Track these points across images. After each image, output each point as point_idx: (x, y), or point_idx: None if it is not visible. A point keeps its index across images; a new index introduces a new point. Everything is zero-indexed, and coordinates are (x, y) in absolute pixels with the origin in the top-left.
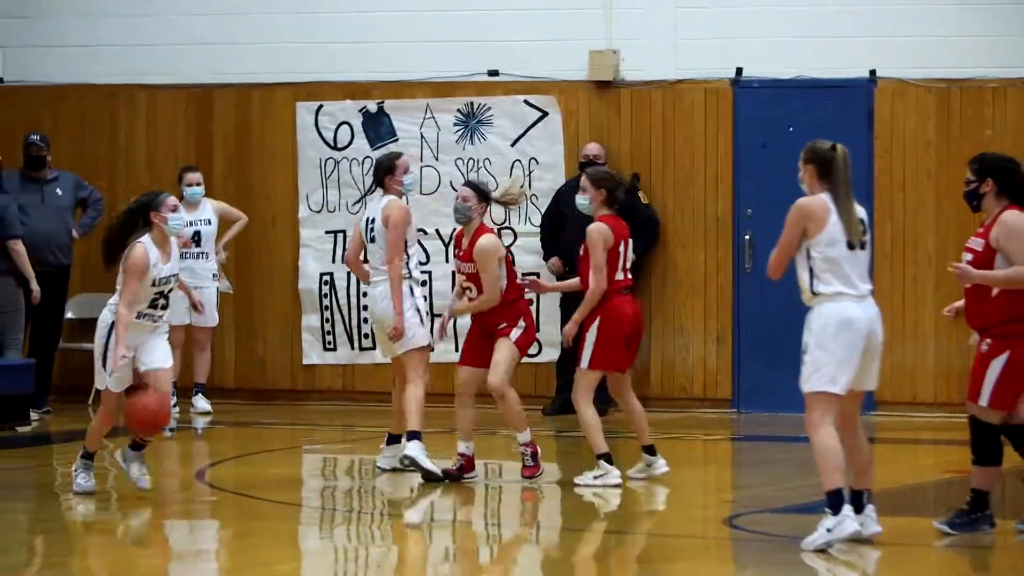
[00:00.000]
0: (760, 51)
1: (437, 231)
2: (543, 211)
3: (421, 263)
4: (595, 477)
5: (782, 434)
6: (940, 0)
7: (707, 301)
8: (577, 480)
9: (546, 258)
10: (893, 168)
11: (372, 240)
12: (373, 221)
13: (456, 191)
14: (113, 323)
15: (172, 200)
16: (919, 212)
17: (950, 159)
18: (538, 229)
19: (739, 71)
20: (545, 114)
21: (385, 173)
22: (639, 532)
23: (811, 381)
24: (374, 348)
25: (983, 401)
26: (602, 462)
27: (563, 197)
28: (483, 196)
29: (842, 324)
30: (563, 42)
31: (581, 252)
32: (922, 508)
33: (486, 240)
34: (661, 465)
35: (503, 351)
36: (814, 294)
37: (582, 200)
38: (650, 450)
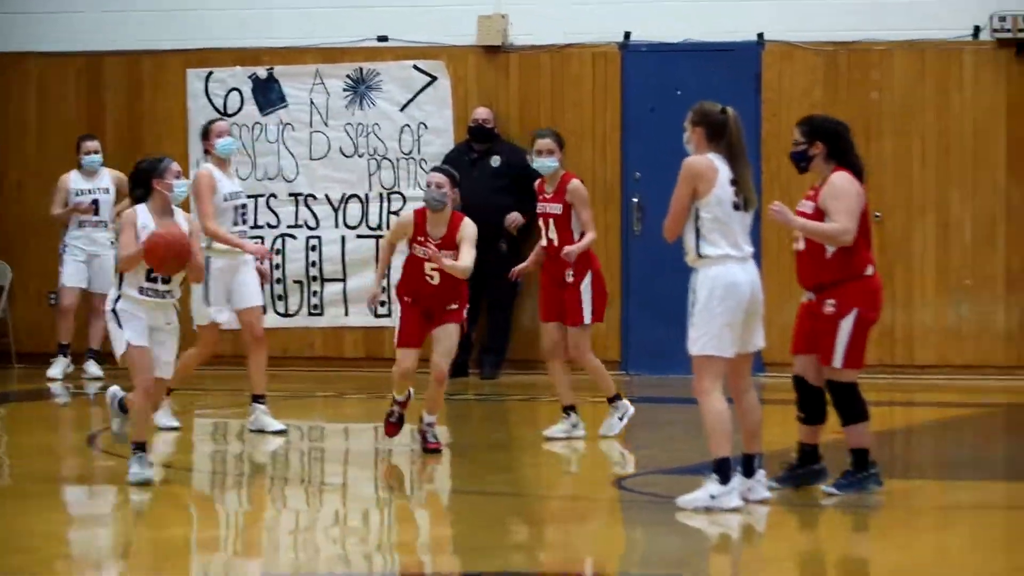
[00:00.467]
0: (648, 15)
1: (327, 196)
2: None
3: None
4: (619, 418)
5: (671, 395)
6: None
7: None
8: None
9: None
10: (781, 131)
11: None
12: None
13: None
14: (117, 298)
15: (176, 166)
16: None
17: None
18: None
19: (627, 35)
20: (434, 79)
21: (202, 138)
22: (528, 495)
23: (699, 344)
24: (264, 313)
25: (837, 363)
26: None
27: (452, 162)
28: (455, 181)
29: (728, 288)
30: (452, 7)
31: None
32: None
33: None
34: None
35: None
36: (700, 256)
37: (551, 162)
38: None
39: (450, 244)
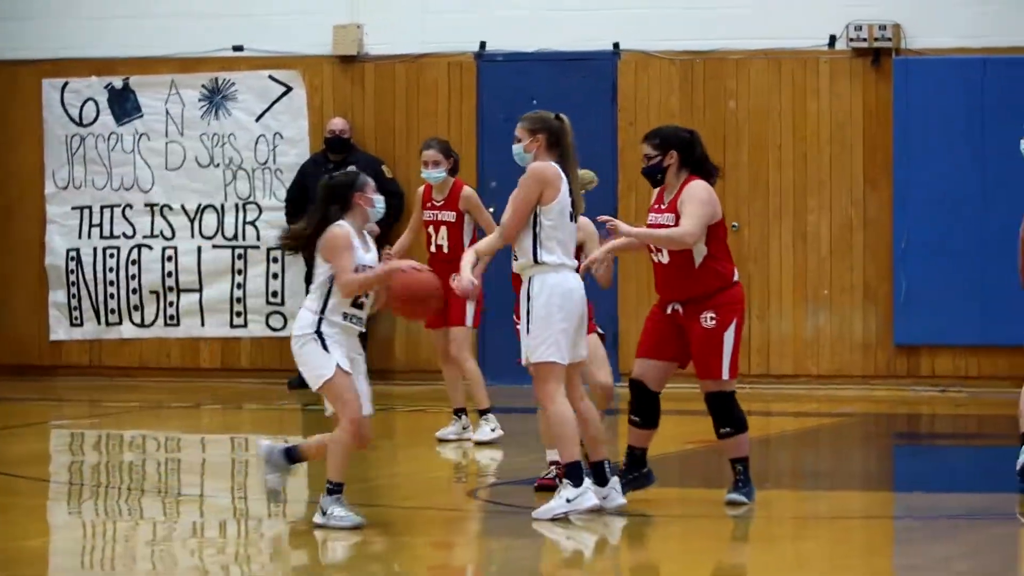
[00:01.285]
0: (504, 25)
1: (183, 206)
2: (288, 186)
3: (166, 237)
4: (491, 429)
5: (525, 406)
6: None
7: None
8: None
9: None
10: (637, 140)
11: None
12: None
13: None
14: (319, 321)
15: (372, 181)
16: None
17: (694, 127)
18: (283, 204)
19: (483, 45)
20: (289, 89)
21: None
22: (382, 505)
23: (538, 352)
24: (120, 324)
25: (725, 375)
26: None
27: (308, 172)
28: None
29: (566, 295)
30: (307, 16)
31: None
32: (666, 479)
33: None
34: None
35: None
36: (537, 262)
37: (437, 173)
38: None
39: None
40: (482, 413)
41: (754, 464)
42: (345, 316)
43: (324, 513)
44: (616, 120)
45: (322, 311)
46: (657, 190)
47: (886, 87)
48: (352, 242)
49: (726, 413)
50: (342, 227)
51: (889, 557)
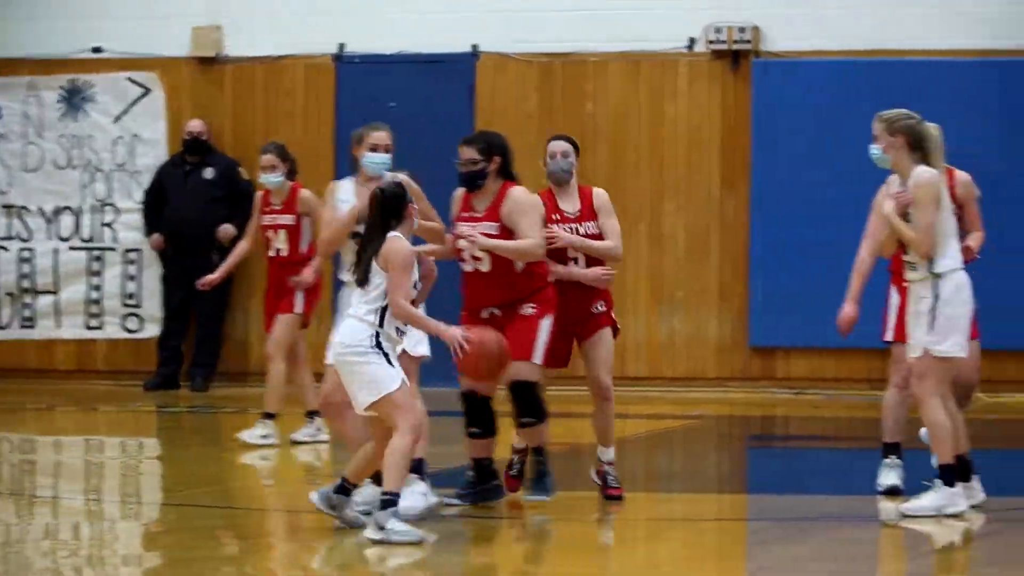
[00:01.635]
0: (362, 27)
1: (40, 208)
2: (145, 188)
3: (23, 239)
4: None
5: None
6: None
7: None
8: None
9: (148, 234)
10: None
11: None
12: None
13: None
14: (377, 334)
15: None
16: (520, 176)
17: (553, 129)
18: (140, 205)
19: (341, 47)
20: (148, 91)
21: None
22: (238, 507)
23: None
24: None
25: (537, 358)
26: None
27: (165, 174)
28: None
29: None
30: (166, 18)
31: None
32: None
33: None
34: None
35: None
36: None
37: (275, 178)
38: None
39: (589, 216)
40: (266, 416)
41: (620, 465)
42: (397, 330)
43: (382, 528)
44: (474, 122)
45: (380, 323)
46: (462, 198)
47: (745, 89)
48: (413, 260)
49: (529, 402)
50: (403, 241)
51: (741, 559)
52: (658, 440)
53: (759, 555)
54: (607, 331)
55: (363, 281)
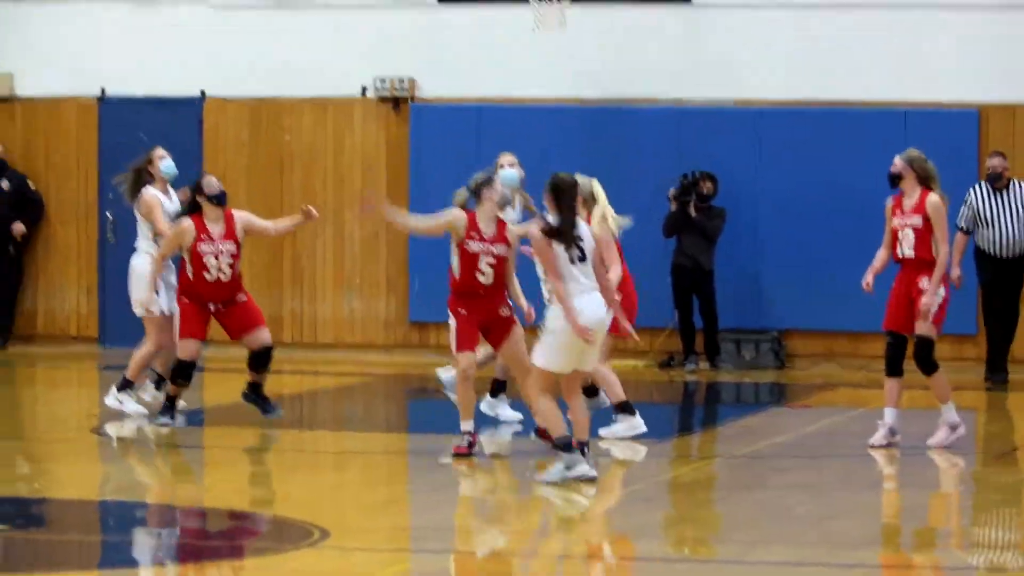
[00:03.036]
0: (120, 73)
1: None
2: None
3: None
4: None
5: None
6: (254, 30)
7: (80, 263)
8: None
9: None
10: (217, 165)
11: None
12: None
13: None
14: None
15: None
16: (235, 194)
17: (259, 158)
18: None
19: (103, 90)
20: None
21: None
22: (26, 438)
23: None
24: None
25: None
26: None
27: None
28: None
29: None
30: None
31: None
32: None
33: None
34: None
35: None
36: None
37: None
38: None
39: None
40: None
41: (306, 412)
42: None
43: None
44: (202, 152)
45: None
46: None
47: (404, 126)
48: None
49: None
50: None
51: (404, 483)
52: (341, 392)
53: (416, 479)
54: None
55: (584, 257)
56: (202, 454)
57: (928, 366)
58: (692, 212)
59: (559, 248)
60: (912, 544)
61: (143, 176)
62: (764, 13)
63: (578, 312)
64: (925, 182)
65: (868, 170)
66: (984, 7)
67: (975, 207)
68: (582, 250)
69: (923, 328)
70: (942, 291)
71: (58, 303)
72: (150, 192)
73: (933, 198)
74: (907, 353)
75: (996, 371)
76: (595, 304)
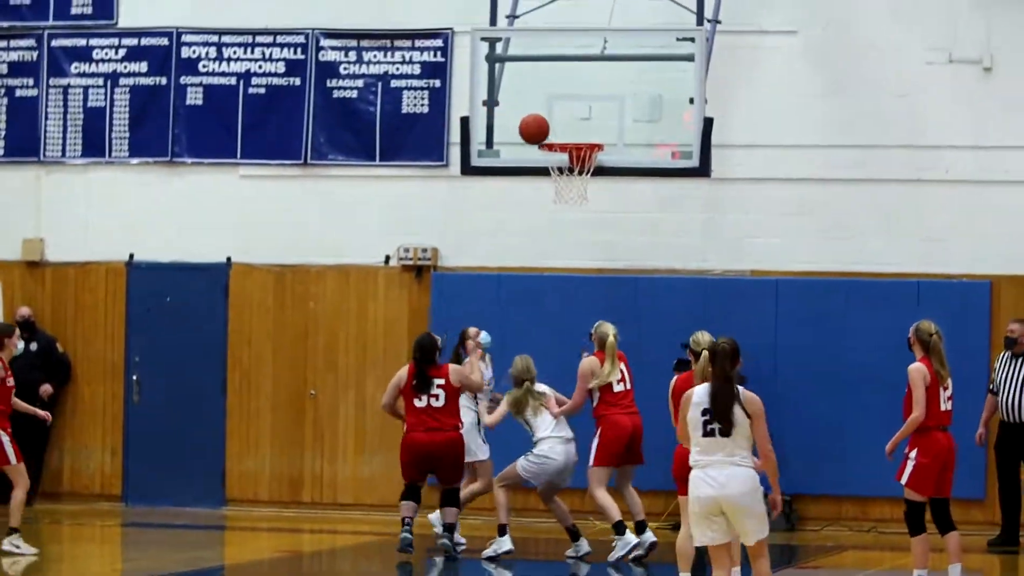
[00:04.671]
0: (147, 241)
1: None
2: None
3: None
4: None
5: (160, 521)
6: (280, 198)
7: (105, 423)
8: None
9: None
10: (242, 330)
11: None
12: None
13: None
14: None
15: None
16: (261, 358)
17: (284, 323)
18: None
19: (131, 256)
20: None
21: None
22: None
23: None
24: None
25: None
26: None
27: None
28: None
29: None
30: (4, 232)
31: None
32: None
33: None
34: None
35: None
36: None
37: None
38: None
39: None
40: None
41: (325, 570)
42: None
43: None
44: (227, 315)
45: None
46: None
47: (426, 294)
48: None
49: None
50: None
51: None
52: (360, 551)
53: None
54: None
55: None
56: None
57: (909, 527)
58: None
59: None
60: None
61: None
62: (780, 187)
63: None
64: (924, 348)
65: (881, 339)
66: (991, 182)
67: (996, 371)
68: None
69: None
70: (914, 453)
71: (83, 462)
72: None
73: (912, 364)
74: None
75: (1007, 539)
76: None
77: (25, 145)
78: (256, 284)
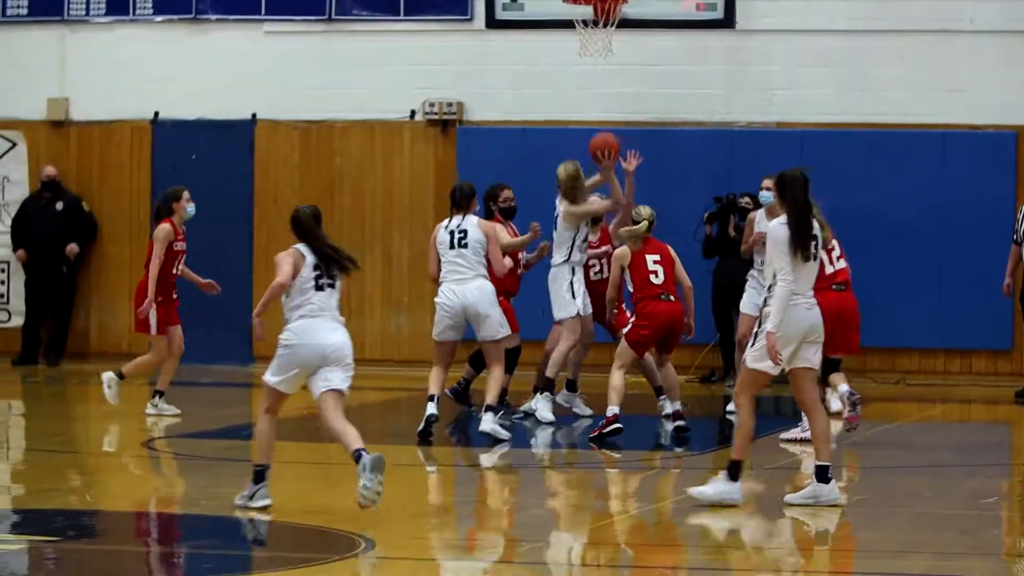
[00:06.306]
0: (172, 98)
1: None
2: (13, 216)
3: None
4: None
5: (188, 379)
6: (305, 54)
7: (132, 282)
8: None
9: (15, 250)
10: (268, 187)
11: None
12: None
13: None
14: None
15: None
16: (288, 214)
17: (310, 179)
18: (8, 229)
19: (156, 114)
20: (14, 144)
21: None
22: (80, 451)
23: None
24: None
25: None
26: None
27: (28, 205)
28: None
29: None
30: (28, 90)
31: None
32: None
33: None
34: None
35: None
36: None
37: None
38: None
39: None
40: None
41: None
42: None
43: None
44: (253, 172)
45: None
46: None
47: (452, 149)
48: None
49: None
50: None
51: (452, 494)
52: (388, 405)
53: (462, 492)
54: None
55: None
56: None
57: None
58: (731, 232)
59: None
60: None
61: None
62: (805, 37)
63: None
64: None
65: (907, 190)
66: (1015, 32)
67: (1019, 221)
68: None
69: None
70: None
71: (110, 320)
72: None
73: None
74: None
75: None
76: None
77: (49, 4)
78: (282, 140)
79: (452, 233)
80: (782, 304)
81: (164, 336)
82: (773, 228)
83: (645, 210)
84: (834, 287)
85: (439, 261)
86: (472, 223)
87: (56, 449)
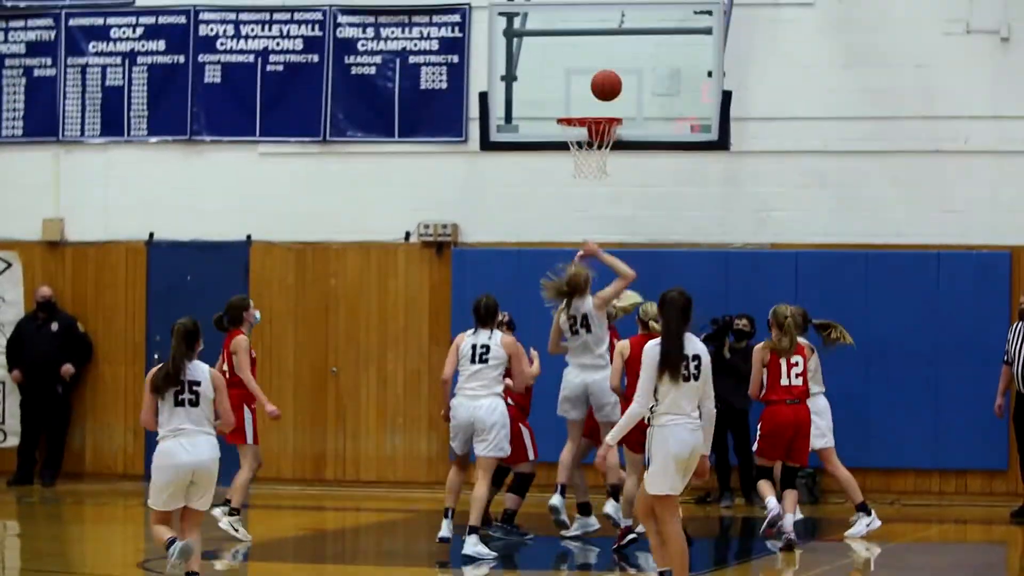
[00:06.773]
0: (166, 220)
1: None
2: (8, 336)
3: None
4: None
5: None
6: (299, 175)
7: (127, 402)
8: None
9: (10, 370)
10: (263, 308)
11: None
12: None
13: None
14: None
15: None
16: (282, 336)
17: (305, 301)
18: (4, 349)
19: (151, 235)
20: (9, 265)
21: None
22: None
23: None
24: None
25: None
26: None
27: (23, 326)
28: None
29: None
30: (24, 211)
31: None
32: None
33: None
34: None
35: None
36: None
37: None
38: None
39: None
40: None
41: (347, 547)
42: None
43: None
44: (248, 292)
45: None
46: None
47: (446, 270)
48: None
49: None
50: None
51: None
52: (384, 527)
53: None
54: None
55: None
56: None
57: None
58: (726, 354)
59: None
60: None
61: None
62: (798, 159)
63: None
64: (779, 328)
65: (901, 310)
66: (1009, 152)
67: (1010, 341)
68: None
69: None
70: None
71: (106, 441)
72: None
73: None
74: None
75: None
76: None
77: (44, 125)
78: (276, 262)
79: (475, 348)
80: (627, 422)
81: (258, 445)
82: (647, 348)
83: (652, 308)
84: (788, 402)
85: (456, 367)
86: (496, 341)
87: (52, 569)
